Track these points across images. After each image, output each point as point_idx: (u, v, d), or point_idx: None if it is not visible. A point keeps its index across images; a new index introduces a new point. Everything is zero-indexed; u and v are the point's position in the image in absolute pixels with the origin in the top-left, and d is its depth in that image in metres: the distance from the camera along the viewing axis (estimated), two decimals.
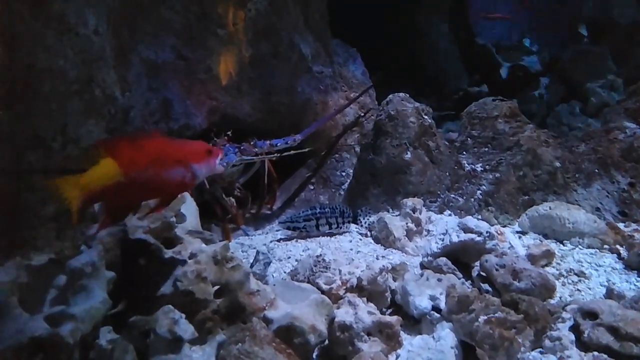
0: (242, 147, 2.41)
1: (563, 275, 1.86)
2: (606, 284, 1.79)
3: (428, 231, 2.16)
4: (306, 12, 2.83)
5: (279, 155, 2.48)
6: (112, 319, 1.28)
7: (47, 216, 1.62)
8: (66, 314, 1.20)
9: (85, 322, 1.20)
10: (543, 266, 1.89)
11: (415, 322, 1.61)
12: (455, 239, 1.87)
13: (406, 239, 2.10)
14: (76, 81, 1.66)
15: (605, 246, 2.03)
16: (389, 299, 1.68)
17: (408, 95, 2.53)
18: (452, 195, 2.38)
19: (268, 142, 2.49)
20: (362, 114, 2.94)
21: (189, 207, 1.61)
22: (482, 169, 2.42)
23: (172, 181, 1.43)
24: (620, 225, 2.16)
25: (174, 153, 1.44)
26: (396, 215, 2.19)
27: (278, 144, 2.52)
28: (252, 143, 2.45)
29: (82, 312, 1.21)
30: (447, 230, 1.93)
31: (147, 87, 2.17)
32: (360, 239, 2.17)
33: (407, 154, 2.37)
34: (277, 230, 2.46)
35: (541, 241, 2.09)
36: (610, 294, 1.68)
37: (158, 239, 1.39)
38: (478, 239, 1.87)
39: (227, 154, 2.33)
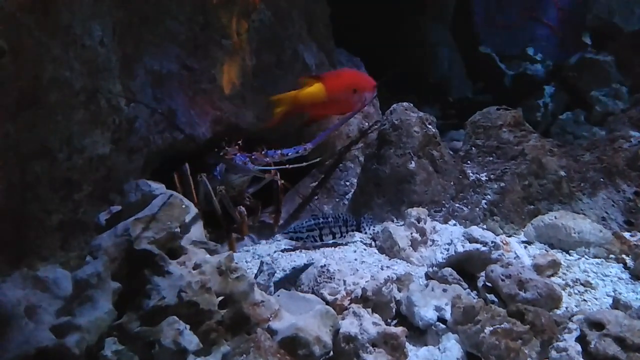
0: (253, 157, 2.39)
1: (569, 286, 1.85)
2: (612, 294, 1.77)
3: (433, 241, 2.15)
4: (310, 21, 2.85)
5: (299, 166, 2.46)
6: (117, 330, 1.28)
7: (52, 226, 1.62)
8: (72, 324, 1.21)
9: (90, 333, 1.21)
10: (549, 276, 1.89)
11: (420, 333, 1.60)
12: (460, 249, 1.86)
13: (411, 249, 2.09)
14: (82, 92, 1.67)
15: (612, 256, 2.02)
16: (394, 310, 1.67)
17: (412, 104, 2.53)
18: (457, 205, 2.37)
19: (279, 151, 2.45)
20: (367, 124, 2.93)
21: (193, 217, 1.61)
22: (487, 178, 2.41)
23: (352, 103, 2.23)
24: (626, 234, 2.15)
25: (358, 83, 2.24)
26: (401, 225, 2.19)
27: (289, 154, 2.47)
28: (263, 152, 2.43)
29: (87, 323, 1.22)
30: (452, 240, 1.92)
31: (151, 97, 2.18)
32: (365, 249, 2.17)
33: (411, 163, 2.37)
34: (279, 240, 2.45)
35: (547, 251, 2.08)
36: (616, 304, 1.67)
37: (163, 250, 1.39)
38: (483, 249, 1.86)
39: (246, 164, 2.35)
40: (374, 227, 2.24)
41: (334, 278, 1.69)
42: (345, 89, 2.19)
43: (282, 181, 2.57)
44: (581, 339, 1.44)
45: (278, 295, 1.61)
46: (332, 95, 2.11)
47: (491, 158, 2.48)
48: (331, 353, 1.42)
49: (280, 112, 2.15)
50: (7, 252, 1.48)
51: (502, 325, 1.43)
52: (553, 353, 1.43)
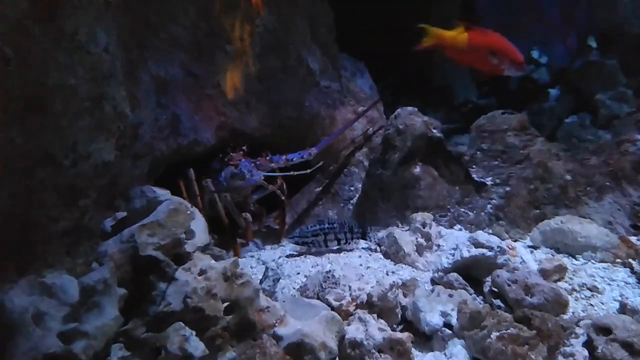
0: (258, 162, 2.39)
1: (576, 290, 1.84)
2: (619, 298, 1.76)
3: (438, 246, 2.14)
4: (313, 26, 2.85)
5: (303, 173, 2.45)
6: (123, 336, 1.28)
7: (57, 233, 1.63)
8: (79, 331, 1.22)
9: (97, 339, 1.21)
10: (555, 281, 1.88)
11: (426, 339, 1.60)
12: (466, 254, 1.85)
13: (416, 254, 2.09)
14: (87, 98, 1.68)
15: (618, 260, 2.01)
16: (399, 315, 1.67)
17: (416, 109, 2.53)
18: (462, 210, 2.36)
19: (284, 156, 2.45)
20: (371, 129, 2.93)
21: (198, 223, 1.61)
22: (492, 182, 2.41)
23: (489, 64, 2.38)
24: (633, 238, 2.14)
25: (502, 49, 2.38)
26: (406, 230, 2.18)
27: (294, 159, 2.47)
28: (267, 158, 2.43)
29: (94, 329, 1.22)
30: (457, 245, 1.92)
31: (156, 103, 2.18)
32: (370, 255, 2.16)
33: (416, 168, 2.37)
34: (283, 246, 2.45)
35: (553, 255, 2.07)
36: (623, 308, 1.66)
37: (168, 256, 1.39)
38: (489, 253, 1.85)
39: (250, 171, 2.34)
40: (379, 233, 2.23)
41: (339, 283, 1.70)
42: (484, 48, 2.38)
43: (283, 197, 2.55)
44: (588, 344, 1.44)
45: (283, 301, 1.61)
46: (471, 47, 2.35)
47: (496, 162, 2.48)
48: (337, 359, 1.42)
49: (427, 42, 2.44)
50: (14, 259, 1.48)
51: (509, 331, 1.42)
52: (560, 358, 1.43)
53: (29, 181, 1.53)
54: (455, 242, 2.05)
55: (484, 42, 2.42)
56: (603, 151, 2.44)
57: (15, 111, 1.47)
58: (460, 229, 2.30)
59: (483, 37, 2.42)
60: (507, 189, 2.36)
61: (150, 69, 2.15)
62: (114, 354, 1.25)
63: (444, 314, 1.60)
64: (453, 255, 1.89)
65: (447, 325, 1.58)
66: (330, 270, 1.76)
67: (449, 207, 2.37)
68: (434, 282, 1.89)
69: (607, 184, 2.32)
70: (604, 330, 1.43)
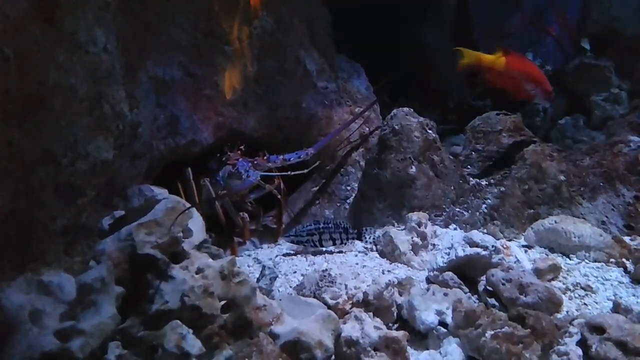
0: (255, 162, 2.41)
1: (570, 290, 1.85)
2: (613, 298, 1.79)
3: (434, 245, 2.16)
4: (311, 28, 2.87)
5: (300, 173, 2.46)
6: (120, 334, 1.29)
7: (56, 231, 1.63)
8: (76, 329, 1.22)
9: (94, 338, 1.22)
10: (549, 280, 1.89)
11: (421, 337, 1.61)
12: (461, 253, 1.87)
13: (412, 253, 2.10)
14: (86, 98, 1.68)
15: (612, 260, 2.03)
16: (395, 314, 1.68)
17: (412, 109, 2.55)
18: (458, 209, 2.38)
19: (281, 156, 2.47)
20: (368, 129, 2.94)
21: (195, 221, 1.62)
22: (487, 182, 2.43)
23: (524, 90, 2.48)
24: (626, 238, 2.16)
25: (536, 77, 2.50)
26: (401, 230, 2.20)
27: (291, 159, 2.49)
28: (265, 158, 2.44)
29: (91, 328, 1.23)
30: (452, 245, 1.94)
31: (155, 103, 2.19)
32: (366, 254, 2.18)
33: (411, 168, 2.38)
34: (280, 244, 2.46)
35: (547, 255, 2.09)
36: (617, 308, 1.68)
37: (166, 254, 1.40)
38: (484, 253, 1.87)
39: (248, 171, 2.35)
40: (375, 233, 2.24)
41: (336, 282, 1.71)
42: (520, 74, 2.47)
43: (280, 196, 2.57)
44: (582, 343, 1.45)
45: (280, 300, 1.62)
46: (507, 71, 2.43)
47: (491, 162, 2.50)
48: (333, 357, 1.43)
49: (463, 64, 2.49)
50: (12, 257, 1.49)
51: (503, 329, 1.44)
52: (554, 357, 1.44)
53: (28, 180, 1.53)
54: (450, 241, 2.06)
55: (521, 68, 2.49)
56: (597, 152, 2.46)
57: (14, 111, 1.47)
58: (456, 229, 2.31)
59: (520, 63, 2.51)
60: (502, 189, 2.38)
61: (149, 70, 2.16)
62: (111, 352, 1.25)
63: (439, 313, 1.61)
64: (448, 254, 1.90)
65: (442, 323, 1.60)
66: (326, 269, 1.78)
67: (444, 206, 2.38)
68: (429, 281, 1.90)
69: (601, 184, 2.34)
70: (598, 329, 1.45)
